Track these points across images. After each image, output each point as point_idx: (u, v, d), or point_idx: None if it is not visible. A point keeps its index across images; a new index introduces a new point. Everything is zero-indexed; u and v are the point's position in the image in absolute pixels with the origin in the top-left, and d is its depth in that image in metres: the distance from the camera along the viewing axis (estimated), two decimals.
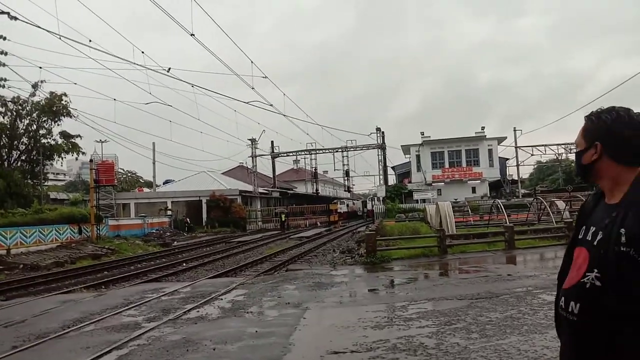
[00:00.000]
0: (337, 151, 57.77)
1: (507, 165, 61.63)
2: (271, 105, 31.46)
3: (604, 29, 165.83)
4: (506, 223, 20.11)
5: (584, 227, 1.86)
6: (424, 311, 8.09)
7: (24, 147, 37.11)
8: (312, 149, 58.54)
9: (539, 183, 73.33)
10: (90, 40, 19.47)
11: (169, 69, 21.26)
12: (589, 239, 1.79)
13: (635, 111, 1.83)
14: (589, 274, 1.72)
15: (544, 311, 7.50)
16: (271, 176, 63.75)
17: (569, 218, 21.56)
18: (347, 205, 63.66)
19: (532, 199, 31.65)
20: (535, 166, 76.32)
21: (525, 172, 79.15)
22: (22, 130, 36.46)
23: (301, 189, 74.16)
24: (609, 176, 1.81)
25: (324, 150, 58.23)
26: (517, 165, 55.32)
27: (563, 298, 1.82)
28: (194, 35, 17.99)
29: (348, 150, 57.66)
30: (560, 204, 25.07)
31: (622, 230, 1.64)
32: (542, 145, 55.22)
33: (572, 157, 64.03)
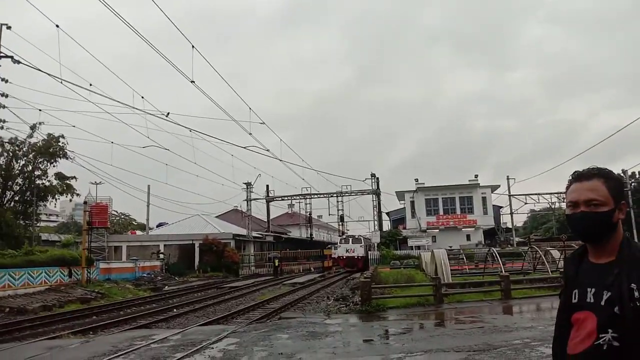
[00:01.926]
0: (332, 196, 57.86)
1: (501, 213, 61.81)
2: (268, 150, 31.77)
3: (592, 83, 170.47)
4: (502, 272, 19.97)
5: (576, 291, 1.82)
6: None
7: (18, 187, 36.97)
8: (307, 194, 58.62)
9: (533, 231, 73.43)
10: (90, 84, 19.83)
11: (168, 113, 21.53)
12: (591, 300, 1.75)
13: None
14: (603, 335, 1.67)
15: None
16: (265, 220, 63.49)
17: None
18: None
19: (526, 247, 31.56)
20: (529, 214, 76.59)
21: (519, 220, 79.40)
22: (17, 171, 36.44)
23: (295, 233, 73.72)
24: (619, 234, 1.80)
25: (318, 195, 58.30)
26: (511, 213, 55.48)
27: None
28: (194, 82, 18.35)
29: (343, 196, 57.78)
30: (555, 253, 24.98)
31: (634, 286, 1.63)
32: (535, 194, 55.61)
33: (564, 205, 64.32)
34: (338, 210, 59.46)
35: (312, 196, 58.74)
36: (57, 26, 18.70)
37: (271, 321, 14.89)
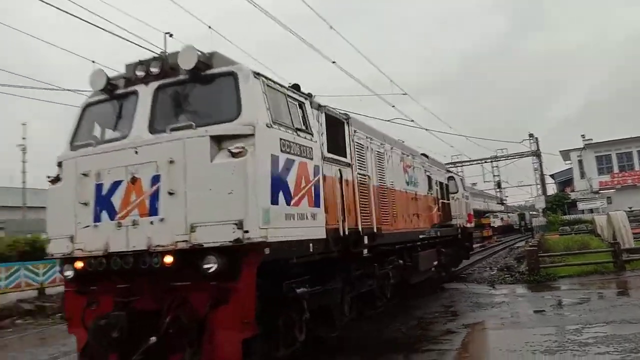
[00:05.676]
0: (485, 162, 55.11)
1: None
2: (412, 121, 31.21)
3: None
4: None
5: None
6: (602, 335, 7.32)
7: None
8: (458, 161, 56.56)
9: None
10: None
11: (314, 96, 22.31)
12: None
13: None
14: None
15: None
16: None
17: None
18: (501, 219, 60.13)
19: None
20: None
21: None
22: None
23: None
24: None
25: (470, 162, 55.93)
26: None
27: None
28: (335, 62, 18.73)
29: (498, 160, 54.61)
30: None
31: None
32: None
33: None
34: (494, 176, 56.57)
35: (464, 163, 56.58)
36: (210, 27, 20.42)
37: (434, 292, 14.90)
